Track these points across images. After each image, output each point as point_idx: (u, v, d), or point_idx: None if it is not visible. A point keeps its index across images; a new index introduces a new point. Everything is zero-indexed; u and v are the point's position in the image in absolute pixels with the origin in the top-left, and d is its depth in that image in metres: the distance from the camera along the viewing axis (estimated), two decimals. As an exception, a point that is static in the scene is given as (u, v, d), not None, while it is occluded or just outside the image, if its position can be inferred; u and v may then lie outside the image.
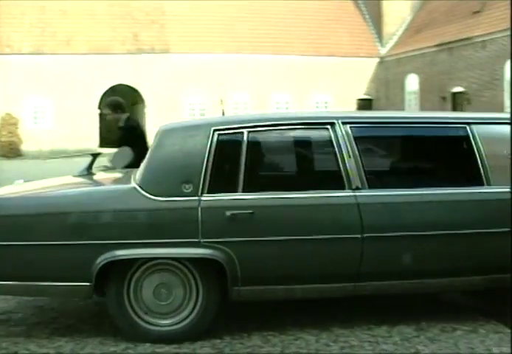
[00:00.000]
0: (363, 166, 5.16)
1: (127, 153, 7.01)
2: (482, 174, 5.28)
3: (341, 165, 5.14)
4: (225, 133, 5.15)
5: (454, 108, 34.86)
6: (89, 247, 4.87)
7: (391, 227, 5.06)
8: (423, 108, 37.31)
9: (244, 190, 5.03)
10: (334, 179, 5.17)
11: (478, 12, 34.18)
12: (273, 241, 4.96)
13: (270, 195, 5.08)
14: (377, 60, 42.32)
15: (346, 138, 5.20)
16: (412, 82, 39.05)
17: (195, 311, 5.04)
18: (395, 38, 42.11)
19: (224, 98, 38.44)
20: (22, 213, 4.99)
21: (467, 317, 5.56)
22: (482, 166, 5.29)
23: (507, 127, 5.39)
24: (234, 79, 39.45)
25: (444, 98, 35.53)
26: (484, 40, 32.38)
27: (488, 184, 5.26)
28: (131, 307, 5.02)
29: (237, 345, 4.97)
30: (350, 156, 5.15)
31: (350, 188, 5.10)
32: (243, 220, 4.92)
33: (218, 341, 5.05)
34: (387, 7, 41.97)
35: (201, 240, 4.87)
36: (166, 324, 5.06)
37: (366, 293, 5.28)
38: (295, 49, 40.34)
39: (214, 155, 5.04)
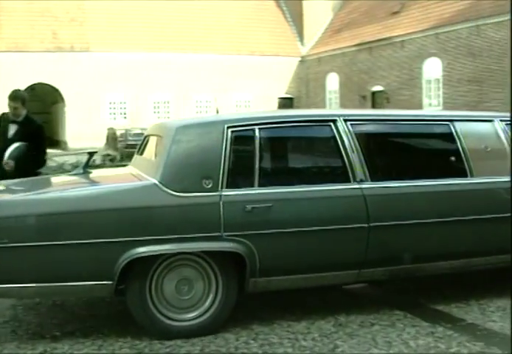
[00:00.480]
0: (365, 160, 5.50)
1: (21, 148, 6.94)
2: (467, 167, 5.79)
3: (345, 159, 5.47)
4: (238, 130, 5.30)
5: (374, 107, 35.39)
6: (113, 245, 4.83)
7: (393, 216, 5.43)
8: (343, 107, 37.76)
9: (260, 185, 5.22)
10: (340, 173, 5.50)
11: (397, 12, 34.84)
12: (289, 232, 5.15)
13: (285, 188, 5.29)
14: (298, 59, 42.70)
15: (348, 134, 5.54)
16: (333, 81, 39.54)
17: (215, 305, 5.15)
18: (315, 38, 42.54)
19: (146, 97, 38.25)
20: (42, 213, 4.86)
21: (385, 312, 5.69)
22: (466, 160, 5.81)
23: (485, 124, 6.11)
24: (156, 78, 39.19)
25: (364, 97, 36.07)
26: (403, 40, 33.02)
27: (472, 176, 5.79)
28: (153, 303, 5.03)
29: (156, 345, 4.92)
30: (353, 151, 5.48)
31: (355, 181, 5.43)
32: (262, 213, 5.08)
33: (138, 341, 5.00)
34: (308, 7, 42.38)
35: (223, 234, 4.99)
36: (187, 318, 5.13)
37: (367, 279, 5.68)
38: (216, 48, 40.34)
39: (229, 152, 5.17)
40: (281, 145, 5.91)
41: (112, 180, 6.05)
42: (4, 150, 6.95)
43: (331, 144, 5.59)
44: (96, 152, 6.14)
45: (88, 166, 6.18)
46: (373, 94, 35.81)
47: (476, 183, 5.78)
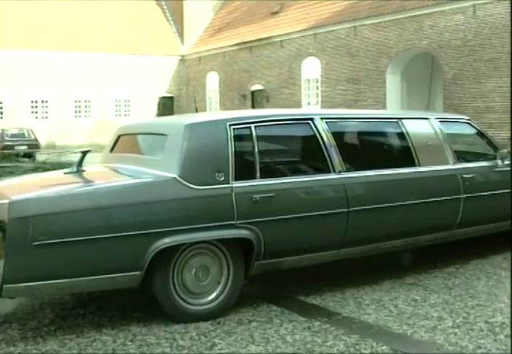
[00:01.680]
0: (340, 153, 6.24)
1: None
2: (415, 158, 6.82)
3: (325, 153, 6.18)
4: (238, 128, 5.81)
5: (253, 106, 35.65)
6: (143, 237, 5.13)
7: (367, 201, 6.24)
8: (223, 106, 37.89)
9: (261, 177, 5.75)
10: (323, 165, 6.20)
11: (277, 12, 35.22)
12: (288, 219, 5.76)
13: (282, 179, 5.92)
14: (178, 58, 42.59)
15: (325, 130, 6.27)
16: (213, 81, 39.59)
17: (227, 288, 5.59)
18: (196, 37, 42.51)
19: (23, 96, 37.27)
20: (78, 209, 5.02)
21: (263, 308, 5.77)
22: (415, 152, 6.84)
23: (424, 122, 7.23)
24: (34, 76, 38.26)
25: (244, 96, 36.30)
26: (282, 40, 33.42)
27: (419, 165, 6.82)
28: (175, 290, 5.37)
29: (32, 351, 4.80)
30: (331, 145, 6.20)
31: (335, 171, 6.16)
32: (266, 203, 5.64)
33: (13, 348, 4.86)
34: (188, 6, 42.34)
35: (237, 222, 5.49)
36: (204, 302, 5.51)
37: (346, 257, 6.36)
38: (96, 47, 39.75)
39: (234, 147, 5.67)
40: (274, 141, 6.45)
41: (126, 176, 6.01)
42: None
43: (313, 140, 6.26)
44: (90, 150, 6.05)
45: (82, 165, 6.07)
46: (253, 93, 36.07)
47: (423, 171, 6.81)
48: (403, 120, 7.00)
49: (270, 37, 34.23)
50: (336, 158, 6.19)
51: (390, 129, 7.11)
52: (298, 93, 32.51)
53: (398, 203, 6.45)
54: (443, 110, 24.76)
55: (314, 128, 6.24)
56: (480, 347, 4.74)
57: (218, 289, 5.57)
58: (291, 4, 34.46)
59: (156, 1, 44.89)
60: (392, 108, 26.60)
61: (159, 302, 5.37)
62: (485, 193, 7.18)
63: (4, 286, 4.80)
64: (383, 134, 7.27)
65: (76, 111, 39.59)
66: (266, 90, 34.74)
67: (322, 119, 6.35)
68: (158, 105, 41.59)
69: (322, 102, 30.87)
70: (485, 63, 22.92)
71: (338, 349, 4.75)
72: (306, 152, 6.67)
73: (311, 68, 31.67)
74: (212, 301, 5.54)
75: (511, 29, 18.27)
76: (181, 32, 43.34)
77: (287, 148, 6.76)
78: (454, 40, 24.08)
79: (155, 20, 43.63)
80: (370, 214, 6.25)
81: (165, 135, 5.81)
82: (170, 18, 44.24)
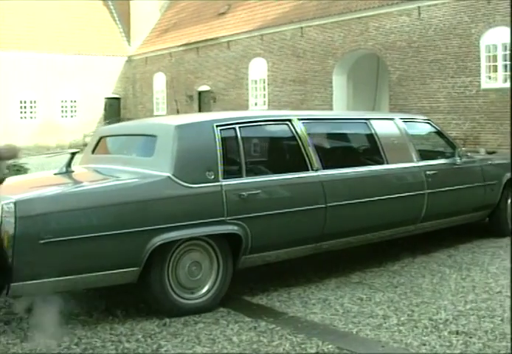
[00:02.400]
0: (317, 152, 6.58)
1: None
2: (384, 156, 7.24)
3: (303, 152, 6.51)
4: (224, 129, 6.07)
5: (200, 107, 35.58)
6: (141, 233, 5.31)
7: (342, 197, 6.60)
8: (170, 107, 37.71)
9: (247, 175, 6.06)
10: (302, 163, 6.50)
11: (224, 13, 35.16)
12: (273, 214, 6.05)
13: (265, 177, 6.24)
14: (125, 58, 42.20)
15: (303, 130, 6.60)
16: (160, 81, 39.39)
17: (217, 283, 5.81)
18: (143, 37, 42.21)
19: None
20: (80, 207, 5.17)
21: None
22: (383, 150, 7.25)
23: (389, 122, 7.68)
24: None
25: (191, 96, 36.17)
26: (229, 41, 33.38)
27: (387, 163, 7.23)
28: (170, 285, 5.55)
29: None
30: (308, 145, 6.53)
31: (313, 169, 6.49)
32: (253, 199, 5.93)
33: None
34: (135, 6, 41.97)
35: (226, 219, 5.75)
36: (196, 296, 5.71)
37: (322, 250, 6.69)
38: (41, 47, 39.17)
39: (221, 146, 5.94)
40: (256, 140, 6.84)
41: (116, 176, 6.04)
42: None
43: (292, 139, 6.60)
44: (78, 152, 6.13)
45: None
46: (200, 93, 35.97)
47: (391, 168, 7.25)
48: (371, 121, 7.45)
49: (217, 38, 34.16)
50: (313, 156, 6.52)
51: (360, 129, 7.53)
52: (245, 93, 32.50)
53: (369, 199, 6.82)
54: (388, 111, 24.99)
55: (292, 128, 6.58)
56: (424, 344, 4.80)
57: (209, 283, 5.78)
58: (238, 5, 34.44)
59: (103, 1, 44.47)
60: (339, 109, 26.75)
61: (155, 298, 5.55)
62: (446, 189, 7.68)
63: (12, 284, 4.89)
64: (354, 134, 7.75)
65: (21, 112, 39.01)
66: (213, 91, 34.64)
67: (298, 119, 6.69)
68: (105, 105, 41.16)
69: (269, 102, 30.90)
70: (429, 64, 23.17)
71: (284, 349, 4.77)
72: (286, 151, 7.03)
73: (258, 69, 31.69)
74: (204, 295, 5.74)
75: (511, 29, 18.44)
76: (127, 33, 42.97)
77: (269, 147, 7.12)
78: (399, 41, 24.30)
79: (101, 20, 43.15)
80: (345, 209, 6.59)
81: (154, 136, 6.04)
82: (116, 18, 43.82)
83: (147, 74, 40.43)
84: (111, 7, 44.18)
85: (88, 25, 41.55)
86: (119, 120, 36.95)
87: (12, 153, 4.45)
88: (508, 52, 20.67)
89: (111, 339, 5.04)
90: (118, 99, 42.14)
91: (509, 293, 5.98)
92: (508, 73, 20.79)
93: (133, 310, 5.72)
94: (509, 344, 4.76)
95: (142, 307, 5.82)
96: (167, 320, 5.45)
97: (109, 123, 36.05)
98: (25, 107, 39.04)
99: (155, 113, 39.02)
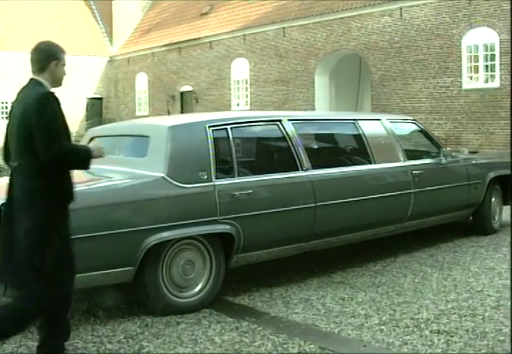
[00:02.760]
0: (306, 152, 6.68)
1: None
2: (371, 156, 7.35)
3: (293, 152, 6.59)
4: (216, 129, 6.12)
5: (183, 107, 35.52)
6: (136, 233, 5.35)
7: (332, 196, 6.68)
8: (152, 107, 37.64)
9: (239, 175, 6.12)
10: (292, 163, 6.57)
11: (206, 13, 35.12)
12: (265, 214, 6.11)
13: (257, 177, 6.29)
14: (107, 59, 42.07)
15: (293, 131, 6.67)
16: (142, 82, 39.29)
17: (210, 282, 5.86)
18: (125, 37, 42.09)
19: None
20: (74, 208, 4.89)
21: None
22: (370, 150, 7.36)
23: (376, 123, 7.81)
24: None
25: (173, 97, 36.09)
26: (211, 41, 33.35)
27: (375, 163, 7.35)
28: (164, 284, 5.59)
29: None
30: (298, 145, 6.61)
31: (303, 169, 6.57)
32: (245, 199, 5.99)
33: None
34: (117, 7, 41.84)
35: (219, 218, 5.80)
36: (190, 295, 5.75)
37: (310, 249, 6.75)
38: (23, 46, 38.88)
39: (214, 147, 5.98)
40: (248, 141, 6.93)
41: (108, 177, 5.99)
42: None
43: (282, 139, 6.67)
44: None
45: None
46: (182, 94, 35.91)
47: (379, 168, 7.36)
48: (359, 121, 7.57)
49: (199, 38, 34.11)
50: (302, 156, 6.61)
51: (349, 129, 7.64)
52: (227, 94, 32.49)
53: (359, 198, 6.93)
54: (370, 111, 25.06)
55: (283, 129, 6.66)
56: (406, 343, 4.81)
57: (202, 282, 5.83)
58: (221, 5, 34.41)
59: (85, 0, 44.29)
60: (321, 109, 26.80)
61: (150, 297, 5.57)
62: (431, 188, 7.82)
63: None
64: (343, 134, 7.91)
65: (2, 112, 38.77)
66: (195, 91, 34.60)
67: (288, 120, 6.77)
68: (87, 106, 41.00)
69: (251, 103, 30.91)
70: (411, 65, 23.26)
71: (266, 349, 4.77)
72: (276, 151, 7.11)
73: (241, 69, 31.68)
74: (198, 293, 5.79)
75: (511, 29, 18.47)
76: (110, 33, 42.83)
77: (260, 147, 7.20)
78: (382, 41, 24.38)
79: (83, 20, 42.97)
80: (334, 208, 6.68)
81: (147, 136, 6.09)
82: (98, 18, 43.65)
83: (130, 74, 40.32)
84: (93, 7, 44.01)
85: (69, 25, 41.36)
86: (101, 121, 36.89)
87: (100, 152, 4.50)
88: (489, 53, 20.81)
89: (93, 340, 5.01)
90: (100, 99, 42.00)
91: (490, 293, 6.02)
92: (489, 73, 20.92)
93: (115, 311, 5.70)
94: (491, 343, 4.79)
95: (124, 308, 5.80)
96: (149, 321, 5.44)
97: (91, 123, 35.95)
98: (6, 107, 38.80)
99: (137, 113, 38.91)
